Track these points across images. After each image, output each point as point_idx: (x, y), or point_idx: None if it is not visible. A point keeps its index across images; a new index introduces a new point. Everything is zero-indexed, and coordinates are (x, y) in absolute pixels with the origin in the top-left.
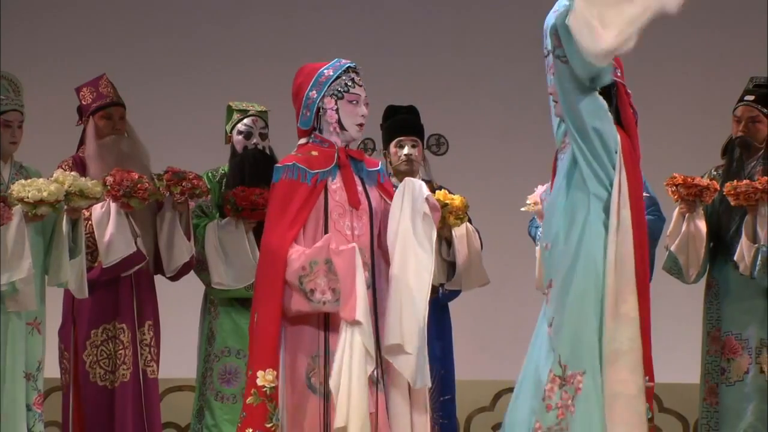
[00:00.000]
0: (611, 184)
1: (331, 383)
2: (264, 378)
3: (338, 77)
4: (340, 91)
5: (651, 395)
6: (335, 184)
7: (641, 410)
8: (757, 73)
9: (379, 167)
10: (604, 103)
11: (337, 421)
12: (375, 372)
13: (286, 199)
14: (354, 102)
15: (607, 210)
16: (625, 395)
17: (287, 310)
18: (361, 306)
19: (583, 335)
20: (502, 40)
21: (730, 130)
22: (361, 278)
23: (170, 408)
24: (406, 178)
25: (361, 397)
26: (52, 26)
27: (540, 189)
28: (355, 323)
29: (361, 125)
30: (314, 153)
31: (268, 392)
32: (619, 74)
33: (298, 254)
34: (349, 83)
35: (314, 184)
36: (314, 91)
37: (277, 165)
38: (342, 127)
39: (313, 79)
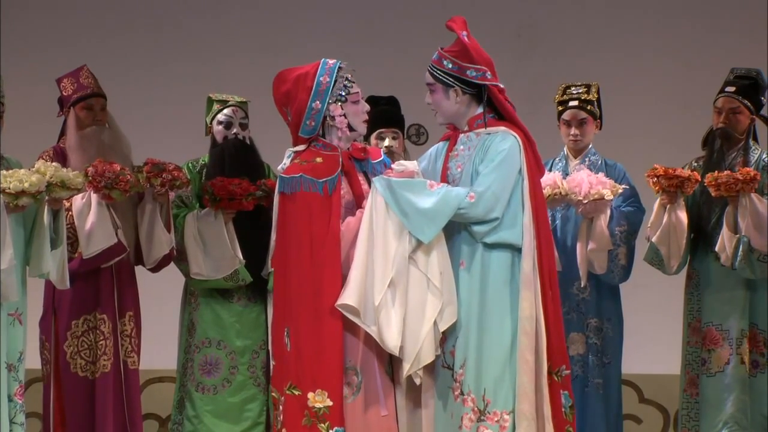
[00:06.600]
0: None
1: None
2: (314, 399)
3: (336, 81)
4: (343, 95)
5: (568, 383)
6: (343, 189)
7: None
8: (738, 65)
9: (382, 157)
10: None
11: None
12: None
13: (307, 211)
14: (356, 101)
15: None
16: None
17: None
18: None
19: (507, 373)
20: (481, 31)
21: (710, 122)
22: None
23: (151, 399)
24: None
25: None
26: (33, 17)
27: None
28: None
29: (366, 120)
30: (318, 160)
31: (319, 413)
32: (489, 76)
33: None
34: (347, 84)
35: (326, 194)
36: (317, 102)
37: (284, 176)
38: (351, 129)
39: (313, 90)
